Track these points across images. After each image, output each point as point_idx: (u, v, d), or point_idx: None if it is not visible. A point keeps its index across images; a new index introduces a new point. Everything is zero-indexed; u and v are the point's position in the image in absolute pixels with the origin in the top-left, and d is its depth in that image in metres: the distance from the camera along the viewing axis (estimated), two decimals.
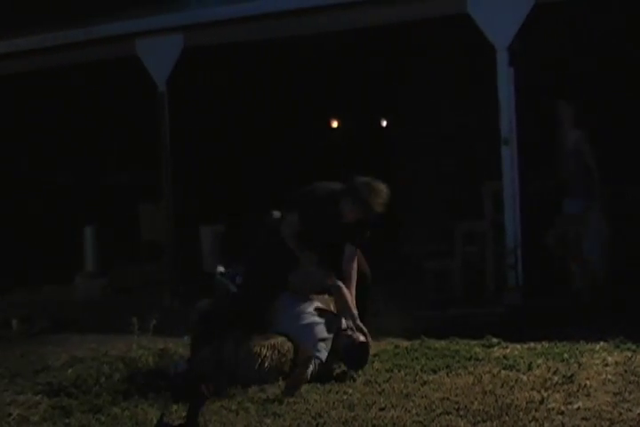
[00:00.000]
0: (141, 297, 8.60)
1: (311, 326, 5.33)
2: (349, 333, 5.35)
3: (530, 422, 4.21)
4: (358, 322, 5.43)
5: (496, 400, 4.53)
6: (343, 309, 5.45)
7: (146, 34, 8.53)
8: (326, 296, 5.75)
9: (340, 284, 5.50)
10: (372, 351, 5.75)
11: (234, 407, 4.71)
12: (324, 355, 5.24)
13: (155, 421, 4.43)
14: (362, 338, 5.34)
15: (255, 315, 5.45)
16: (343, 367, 5.38)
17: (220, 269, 5.89)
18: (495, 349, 5.73)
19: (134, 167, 10.84)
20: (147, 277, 9.33)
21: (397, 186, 9.96)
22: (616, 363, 5.15)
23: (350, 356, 5.31)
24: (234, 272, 5.81)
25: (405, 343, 6.04)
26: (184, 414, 4.37)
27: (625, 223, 7.37)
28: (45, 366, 6.01)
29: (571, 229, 7.16)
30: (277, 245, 5.64)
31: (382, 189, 5.43)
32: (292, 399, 4.80)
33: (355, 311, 5.45)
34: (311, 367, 5.13)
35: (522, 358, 5.39)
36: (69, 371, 5.73)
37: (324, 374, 5.20)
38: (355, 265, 5.57)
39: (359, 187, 5.42)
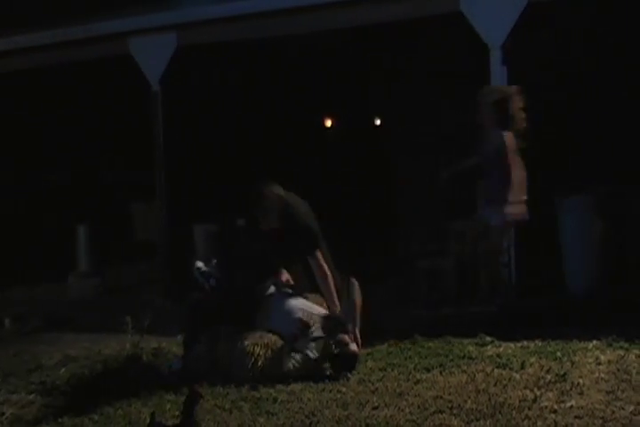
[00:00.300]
0: (135, 296, 8.59)
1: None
2: (346, 339, 5.29)
3: (523, 420, 4.22)
4: (357, 330, 5.41)
5: (489, 399, 4.54)
6: (349, 313, 5.44)
7: (139, 33, 8.52)
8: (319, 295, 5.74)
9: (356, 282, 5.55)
10: (365, 350, 5.76)
11: (227, 406, 4.72)
12: (312, 353, 5.23)
13: (148, 420, 4.44)
14: (354, 347, 5.29)
15: (244, 312, 5.44)
16: None
17: (199, 264, 5.86)
18: (488, 347, 5.73)
19: (128, 166, 10.83)
20: (140, 276, 9.32)
21: (397, 185, 10.04)
22: (609, 361, 5.17)
23: (339, 362, 5.25)
24: (209, 273, 5.75)
25: (399, 342, 6.04)
26: (177, 413, 4.37)
27: (622, 223, 7.38)
28: (39, 365, 6.01)
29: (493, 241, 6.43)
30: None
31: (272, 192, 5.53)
32: (285, 398, 4.81)
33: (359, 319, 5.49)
34: (293, 360, 5.09)
35: (515, 356, 5.40)
36: (63, 370, 5.73)
37: (317, 373, 5.20)
38: (326, 272, 5.50)
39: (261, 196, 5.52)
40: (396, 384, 4.94)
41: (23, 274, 9.51)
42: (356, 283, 5.55)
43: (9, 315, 7.86)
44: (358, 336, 5.43)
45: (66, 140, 10.77)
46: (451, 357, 5.48)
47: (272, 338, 5.33)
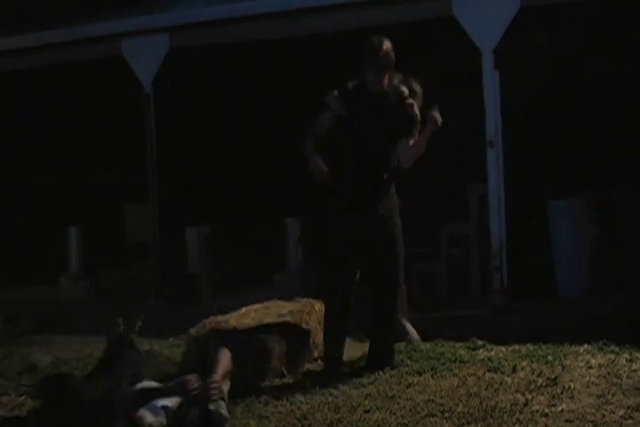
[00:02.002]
0: (126, 298, 8.59)
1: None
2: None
3: (514, 424, 4.23)
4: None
5: (480, 402, 4.54)
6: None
7: (132, 34, 8.51)
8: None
9: None
10: (357, 353, 5.76)
11: None
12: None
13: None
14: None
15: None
16: None
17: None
18: (480, 351, 5.73)
19: (120, 168, 10.81)
20: (132, 277, 9.31)
21: None
22: (599, 365, 5.17)
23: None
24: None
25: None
26: None
27: (614, 226, 7.41)
28: (29, 367, 5.99)
29: None
30: None
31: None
32: (277, 401, 4.80)
33: None
34: None
35: (506, 360, 5.40)
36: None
37: None
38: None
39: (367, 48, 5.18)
40: (387, 388, 4.94)
41: (14, 275, 9.48)
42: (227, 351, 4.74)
43: (0, 316, 7.84)
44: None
45: (59, 141, 10.74)
46: (442, 360, 5.47)
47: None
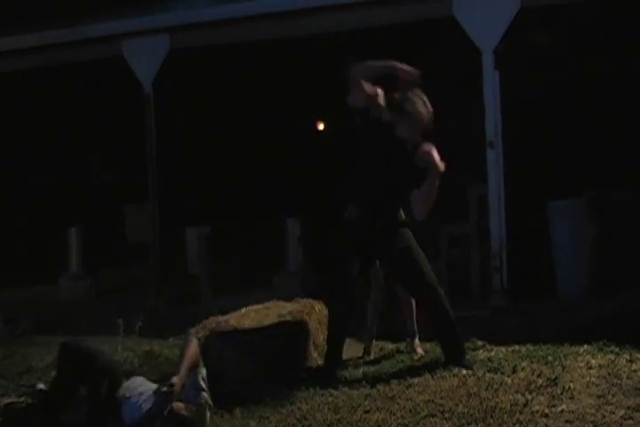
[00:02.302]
0: (126, 298, 8.59)
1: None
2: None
3: (514, 424, 4.23)
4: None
5: (480, 403, 4.54)
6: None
7: (132, 35, 8.51)
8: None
9: None
10: (358, 353, 5.76)
11: (219, 410, 4.70)
12: None
13: None
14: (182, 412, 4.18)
15: None
16: None
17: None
18: (480, 351, 5.73)
19: (120, 168, 10.82)
20: (132, 277, 9.31)
21: None
22: (599, 366, 5.17)
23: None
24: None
25: (391, 346, 6.04)
26: None
27: (613, 227, 7.40)
28: (29, 367, 5.99)
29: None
30: None
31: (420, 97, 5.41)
32: (277, 401, 4.80)
33: None
34: None
35: (506, 360, 5.40)
36: (53, 373, 5.70)
37: None
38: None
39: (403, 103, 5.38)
40: (387, 388, 4.94)
41: (14, 275, 9.48)
42: (194, 340, 4.58)
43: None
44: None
45: (59, 141, 10.75)
46: (442, 360, 5.48)
47: None
